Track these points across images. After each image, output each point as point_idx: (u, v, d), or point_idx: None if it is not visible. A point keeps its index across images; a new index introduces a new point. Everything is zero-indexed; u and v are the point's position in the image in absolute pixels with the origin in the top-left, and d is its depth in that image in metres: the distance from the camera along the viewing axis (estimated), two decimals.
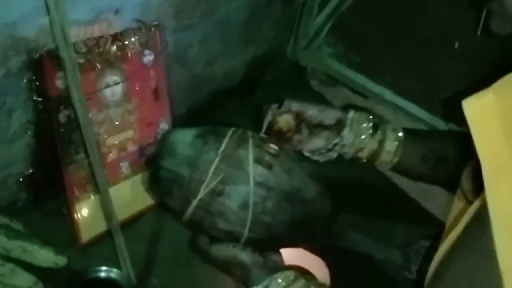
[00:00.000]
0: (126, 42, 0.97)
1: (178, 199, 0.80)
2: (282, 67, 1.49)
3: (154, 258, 1.01)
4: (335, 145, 0.92)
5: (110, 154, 1.00)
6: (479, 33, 0.95)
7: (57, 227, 0.98)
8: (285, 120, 0.94)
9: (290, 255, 1.06)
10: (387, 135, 0.92)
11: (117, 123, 1.00)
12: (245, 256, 0.81)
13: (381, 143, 0.92)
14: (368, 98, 1.40)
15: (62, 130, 0.91)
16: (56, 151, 0.92)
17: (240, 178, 0.78)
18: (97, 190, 0.98)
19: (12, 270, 0.80)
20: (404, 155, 0.93)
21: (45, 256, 0.87)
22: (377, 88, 1.39)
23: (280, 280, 0.79)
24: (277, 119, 0.94)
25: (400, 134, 0.93)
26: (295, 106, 0.94)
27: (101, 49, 0.93)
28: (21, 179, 0.96)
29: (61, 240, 0.95)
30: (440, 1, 1.21)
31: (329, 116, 0.92)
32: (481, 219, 0.56)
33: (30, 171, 0.96)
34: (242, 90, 1.41)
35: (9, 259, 0.80)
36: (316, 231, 0.86)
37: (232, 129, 0.85)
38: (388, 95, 1.38)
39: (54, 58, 0.85)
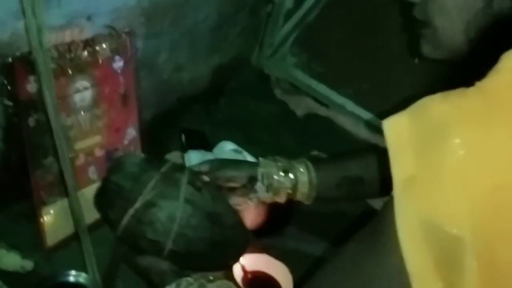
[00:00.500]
0: (97, 48, 0.98)
1: (117, 208, 0.88)
2: (247, 75, 1.52)
3: (119, 263, 1.02)
4: (251, 198, 1.00)
5: (78, 159, 1.00)
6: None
7: (23, 231, 0.98)
8: None
9: (254, 261, 1.08)
10: (298, 178, 0.99)
11: (85, 128, 1.00)
12: (165, 264, 0.88)
13: (294, 187, 0.99)
14: (330, 108, 1.44)
15: (31, 134, 0.91)
16: (24, 155, 0.92)
17: (173, 194, 0.87)
18: (63, 194, 0.98)
19: None
20: (319, 189, 1.00)
21: (11, 260, 0.87)
22: (339, 99, 1.43)
23: (190, 279, 0.84)
24: None
25: (311, 172, 1.00)
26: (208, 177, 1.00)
27: (72, 55, 0.93)
28: None
29: (27, 244, 0.95)
30: (402, 18, 1.25)
31: (240, 177, 0.99)
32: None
33: None
34: (208, 96, 1.43)
35: None
36: (230, 257, 0.95)
37: (172, 162, 0.95)
38: (350, 105, 1.42)
39: (26, 62, 0.85)
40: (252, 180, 0.99)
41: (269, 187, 0.99)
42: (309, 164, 1.01)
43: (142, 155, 0.97)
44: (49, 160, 0.95)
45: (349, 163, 1.05)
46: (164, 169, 0.90)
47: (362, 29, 1.38)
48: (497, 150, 0.55)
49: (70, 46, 0.93)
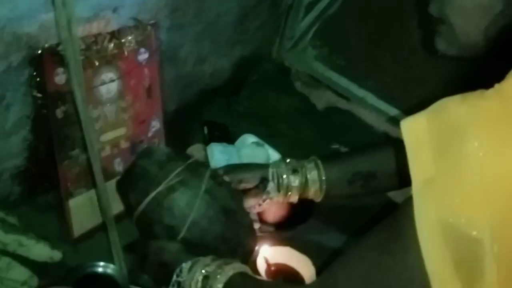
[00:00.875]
0: (123, 40, 0.98)
1: (140, 191, 0.93)
2: (267, 68, 1.52)
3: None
4: (264, 200, 1.03)
5: (104, 151, 1.01)
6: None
7: (50, 222, 0.99)
8: None
9: (277, 253, 1.09)
10: (308, 177, 1.02)
11: (111, 120, 1.01)
12: (177, 245, 0.90)
13: (305, 185, 1.02)
14: (350, 101, 1.44)
15: (58, 125, 0.91)
16: (52, 146, 0.92)
17: (196, 183, 0.92)
18: (90, 185, 0.99)
19: (8, 264, 0.81)
20: (330, 187, 1.03)
21: (40, 251, 0.88)
22: (360, 92, 1.43)
23: (207, 259, 0.85)
24: None
25: (320, 169, 1.02)
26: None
27: (99, 47, 0.94)
28: (15, 173, 0.96)
29: (54, 235, 0.96)
30: (425, 9, 1.24)
31: (252, 178, 1.03)
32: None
33: (25, 165, 0.96)
34: (229, 89, 1.43)
35: (5, 252, 0.80)
36: (237, 256, 0.95)
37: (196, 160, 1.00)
38: (371, 98, 1.41)
39: (54, 54, 0.86)
40: (264, 181, 1.03)
41: (280, 187, 1.02)
42: (319, 162, 1.04)
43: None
44: (76, 151, 0.95)
45: (360, 159, 1.07)
46: (190, 161, 0.96)
47: (383, 22, 1.37)
48: None
49: (96, 38, 0.93)
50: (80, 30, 0.90)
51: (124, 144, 1.05)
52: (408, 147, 0.61)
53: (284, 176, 1.02)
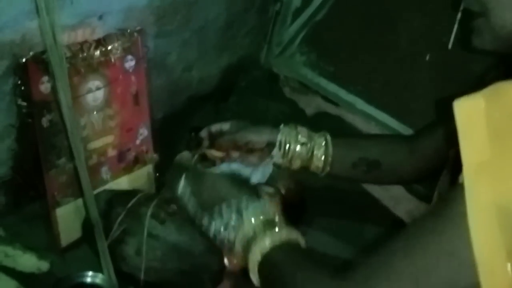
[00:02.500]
0: (109, 48, 0.97)
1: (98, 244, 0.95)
2: (255, 74, 1.51)
3: None
4: (267, 162, 1.01)
5: (91, 159, 1.00)
6: (450, 46, 1.00)
7: (37, 232, 0.98)
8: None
9: None
10: (315, 150, 1.01)
11: (98, 128, 1.00)
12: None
13: (310, 158, 1.02)
14: (340, 106, 1.43)
15: (44, 134, 0.90)
16: (38, 155, 0.91)
17: (138, 230, 0.93)
18: (77, 194, 0.98)
19: None
20: (334, 165, 1.03)
21: (27, 261, 0.87)
22: (349, 97, 1.43)
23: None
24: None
25: (328, 147, 1.02)
26: (229, 137, 1.05)
27: (84, 54, 0.93)
28: (1, 183, 0.95)
29: (41, 245, 0.94)
30: (413, 14, 1.25)
31: (259, 141, 1.03)
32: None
33: (11, 174, 0.95)
34: (217, 96, 1.42)
35: None
36: (204, 282, 0.98)
37: (144, 193, 1.02)
38: (360, 104, 1.41)
39: (39, 62, 0.85)
40: (270, 145, 1.02)
41: (285, 154, 1.01)
42: (329, 138, 1.03)
43: (116, 190, 1.04)
44: (63, 160, 0.94)
45: (369, 145, 1.06)
46: (131, 203, 0.97)
47: (371, 27, 1.37)
48: None
49: (82, 45, 0.93)
50: (65, 38, 0.90)
51: (112, 152, 1.04)
52: (461, 127, 0.59)
53: (292, 145, 1.01)
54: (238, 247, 0.80)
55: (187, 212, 0.87)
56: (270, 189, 0.99)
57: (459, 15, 0.82)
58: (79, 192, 0.96)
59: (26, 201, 1.00)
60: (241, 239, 0.80)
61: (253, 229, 0.80)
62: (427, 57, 1.25)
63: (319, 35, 1.46)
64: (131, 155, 1.08)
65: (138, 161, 1.10)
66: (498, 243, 0.56)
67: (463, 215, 0.57)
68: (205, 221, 0.83)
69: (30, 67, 0.85)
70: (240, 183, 0.90)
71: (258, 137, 1.03)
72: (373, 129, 1.38)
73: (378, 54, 1.36)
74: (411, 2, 1.26)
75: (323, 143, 1.02)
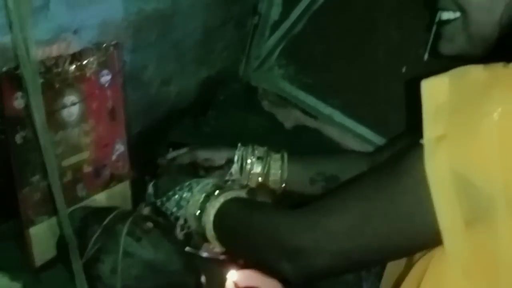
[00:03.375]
0: (85, 62, 0.96)
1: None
2: (234, 88, 1.51)
3: None
4: (227, 180, 1.05)
5: (66, 176, 0.98)
6: (425, 57, 1.02)
7: (10, 251, 0.96)
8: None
9: (247, 277, 1.06)
10: (271, 166, 1.07)
11: (73, 144, 0.98)
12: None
13: (266, 174, 1.07)
14: (318, 119, 1.44)
15: (18, 151, 0.88)
16: (11, 173, 0.89)
17: (113, 248, 0.92)
18: (51, 213, 0.96)
19: None
20: (291, 181, 1.08)
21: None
22: (327, 110, 1.43)
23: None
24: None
25: (284, 162, 1.07)
26: (188, 156, 1.12)
27: (59, 69, 0.91)
28: None
29: (15, 265, 0.92)
30: (389, 27, 1.26)
31: (219, 157, 1.09)
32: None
33: None
34: (195, 110, 1.41)
35: None
36: None
37: (120, 210, 1.00)
38: (338, 116, 1.41)
39: (12, 78, 0.83)
40: (229, 162, 1.07)
41: (242, 171, 1.07)
42: (285, 155, 1.08)
43: (89, 207, 1.02)
44: (37, 177, 0.92)
45: (327, 161, 1.11)
46: (106, 221, 0.95)
47: (348, 40, 1.38)
48: None
49: (57, 60, 0.91)
50: (39, 53, 0.88)
51: (87, 169, 1.02)
52: (425, 105, 0.63)
53: (249, 161, 1.06)
54: (190, 217, 0.91)
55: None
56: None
57: (434, 27, 0.84)
58: (54, 210, 0.94)
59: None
60: (192, 206, 0.90)
61: (203, 195, 0.90)
62: (403, 69, 1.26)
63: (297, 48, 1.46)
64: (107, 172, 1.06)
65: (114, 178, 1.08)
66: (456, 211, 0.60)
67: (422, 172, 0.61)
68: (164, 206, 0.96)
69: (3, 82, 0.83)
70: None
71: (217, 154, 1.08)
72: (351, 142, 1.38)
73: (356, 67, 1.37)
74: (387, 15, 1.26)
75: (279, 158, 1.07)
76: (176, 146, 1.27)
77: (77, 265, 0.88)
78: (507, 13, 0.70)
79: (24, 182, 0.91)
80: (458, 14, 0.76)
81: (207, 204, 0.89)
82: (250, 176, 1.06)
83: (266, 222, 0.81)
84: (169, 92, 1.30)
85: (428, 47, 0.92)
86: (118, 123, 1.06)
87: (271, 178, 1.07)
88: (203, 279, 1.03)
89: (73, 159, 0.99)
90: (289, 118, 1.49)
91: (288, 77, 1.49)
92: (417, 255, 0.73)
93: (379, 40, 1.31)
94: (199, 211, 0.90)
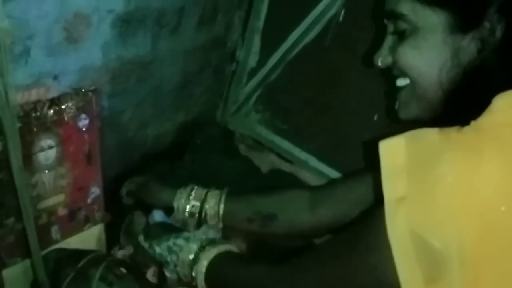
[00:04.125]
0: (63, 107, 0.97)
1: None
2: (211, 132, 1.53)
3: None
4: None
5: (41, 218, 0.99)
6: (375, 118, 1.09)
7: None
8: None
9: None
10: (207, 209, 1.12)
11: (49, 187, 0.99)
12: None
13: (205, 217, 1.13)
14: (293, 164, 1.46)
15: None
16: None
17: None
18: (25, 255, 0.96)
19: None
20: (228, 220, 1.12)
21: None
22: (302, 155, 1.45)
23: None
24: None
25: (220, 204, 1.13)
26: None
27: (38, 113, 0.93)
28: None
29: None
30: (363, 76, 1.30)
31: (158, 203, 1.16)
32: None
33: None
34: (172, 153, 1.43)
35: None
36: None
37: (94, 253, 1.02)
38: (313, 161, 1.44)
39: None
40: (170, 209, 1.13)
41: (181, 214, 1.12)
42: (223, 196, 1.13)
43: (68, 249, 1.03)
44: (11, 220, 0.93)
45: (265, 199, 1.14)
46: (80, 264, 0.96)
47: (323, 87, 1.41)
48: (486, 180, 0.59)
49: (36, 105, 0.93)
50: (19, 97, 0.90)
51: (62, 211, 1.03)
52: (383, 166, 0.65)
53: (186, 206, 1.12)
54: (182, 263, 0.96)
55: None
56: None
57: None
58: (28, 253, 0.94)
59: None
60: (186, 252, 0.96)
61: (198, 244, 0.97)
62: (375, 117, 1.30)
63: (273, 94, 1.50)
64: (82, 214, 1.07)
65: (89, 220, 1.09)
66: (416, 271, 0.62)
67: (384, 231, 0.64)
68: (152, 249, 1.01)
69: None
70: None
71: (156, 200, 1.16)
72: None
73: (330, 114, 1.40)
74: (360, 66, 1.30)
75: (216, 200, 1.12)
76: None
77: None
78: (447, 77, 0.73)
79: None
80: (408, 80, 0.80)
81: (201, 254, 0.95)
82: (188, 217, 1.12)
83: (251, 277, 0.88)
84: (146, 136, 1.32)
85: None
86: (94, 166, 1.07)
87: (209, 220, 1.12)
88: None
89: (48, 202, 1.00)
90: (265, 162, 1.51)
91: (265, 122, 1.52)
92: None
93: (352, 89, 1.35)
94: (193, 259, 0.96)
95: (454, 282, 0.60)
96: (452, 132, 0.64)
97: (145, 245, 1.04)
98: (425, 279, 0.61)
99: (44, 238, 0.99)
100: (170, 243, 1.00)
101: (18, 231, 0.94)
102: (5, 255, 0.94)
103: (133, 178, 1.24)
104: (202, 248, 0.96)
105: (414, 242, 0.61)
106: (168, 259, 0.99)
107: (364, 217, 0.73)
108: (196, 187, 1.16)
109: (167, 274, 1.00)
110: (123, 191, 1.22)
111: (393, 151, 0.65)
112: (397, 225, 0.62)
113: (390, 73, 0.85)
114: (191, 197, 1.13)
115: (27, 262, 0.97)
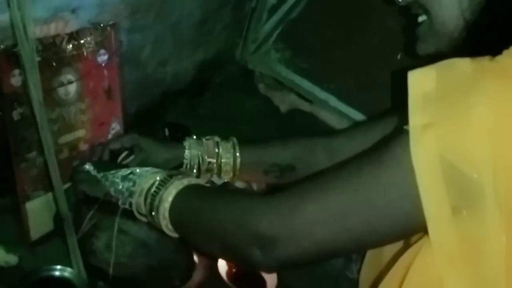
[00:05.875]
0: (82, 41, 0.97)
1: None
2: (230, 70, 1.52)
3: None
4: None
5: (62, 153, 1.00)
6: (398, 57, 1.04)
7: (6, 225, 0.98)
8: None
9: None
10: (222, 161, 1.05)
11: (69, 122, 1.00)
12: None
13: (219, 167, 1.06)
14: (313, 104, 1.45)
15: (15, 128, 0.90)
16: (8, 149, 0.91)
17: (108, 224, 0.92)
18: (47, 188, 0.98)
19: None
20: (243, 172, 1.06)
21: None
22: (323, 94, 1.44)
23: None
24: None
25: (236, 153, 1.06)
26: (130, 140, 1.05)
27: (57, 48, 0.93)
28: None
29: (11, 239, 0.94)
30: (385, 14, 1.27)
31: (157, 156, 1.04)
32: None
33: None
34: (192, 91, 1.43)
35: None
36: (174, 279, 1.00)
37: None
38: (333, 101, 1.43)
39: (10, 55, 0.84)
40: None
41: (193, 168, 1.04)
42: (237, 149, 1.06)
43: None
44: (33, 154, 0.94)
45: (281, 150, 1.08)
46: (101, 199, 0.94)
47: (345, 26, 1.39)
48: None
49: (54, 39, 0.92)
50: (37, 31, 0.89)
51: (83, 147, 1.04)
52: (411, 94, 0.63)
53: (200, 159, 1.04)
54: (140, 191, 0.85)
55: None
56: None
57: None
58: (50, 186, 0.96)
59: None
60: (147, 180, 0.85)
61: (164, 173, 0.85)
62: (399, 56, 1.27)
63: (294, 32, 1.47)
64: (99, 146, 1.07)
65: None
66: (443, 200, 0.60)
67: (407, 158, 0.61)
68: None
69: (1, 60, 0.85)
70: None
71: (157, 153, 1.03)
72: (345, 126, 1.39)
73: (352, 52, 1.38)
74: (384, 2, 1.27)
75: (229, 156, 1.05)
76: (171, 127, 1.29)
77: (72, 240, 0.91)
78: (469, 8, 0.71)
79: (21, 158, 0.93)
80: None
81: (168, 183, 0.83)
82: (201, 174, 1.05)
83: (235, 206, 0.76)
84: (165, 73, 1.31)
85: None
86: (115, 102, 1.07)
87: (223, 168, 1.05)
88: (195, 258, 1.05)
89: (69, 137, 1.01)
90: (285, 102, 1.50)
91: (285, 61, 1.50)
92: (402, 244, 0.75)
93: (375, 27, 1.32)
94: (156, 186, 0.84)
95: (487, 213, 0.59)
96: (485, 61, 0.63)
97: (98, 175, 0.93)
98: (453, 206, 0.60)
99: (66, 172, 1.00)
100: (127, 172, 0.89)
101: (40, 165, 0.96)
102: (28, 188, 0.96)
103: (123, 137, 1.06)
104: (168, 177, 0.84)
105: (443, 167, 0.59)
106: (120, 186, 0.88)
107: (380, 144, 0.68)
108: (204, 140, 1.08)
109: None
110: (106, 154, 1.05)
111: (422, 80, 0.63)
112: (425, 150, 0.60)
113: (409, 11, 0.82)
114: (205, 154, 1.05)
115: (50, 195, 0.98)
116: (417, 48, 0.82)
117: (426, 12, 0.77)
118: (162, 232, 0.86)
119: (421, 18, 0.80)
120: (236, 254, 0.75)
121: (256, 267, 0.73)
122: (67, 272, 0.89)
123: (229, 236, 0.74)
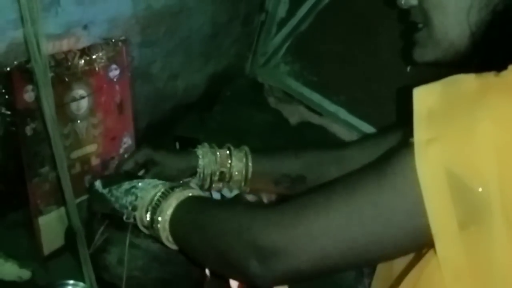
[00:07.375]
0: (94, 57, 0.98)
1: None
2: (240, 84, 1.52)
3: None
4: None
5: (74, 168, 1.01)
6: (408, 69, 1.04)
7: (19, 240, 0.98)
8: None
9: None
10: (233, 172, 1.05)
11: (81, 137, 1.00)
12: None
13: (229, 179, 1.06)
14: (323, 116, 1.45)
15: (28, 143, 0.91)
16: (21, 164, 0.92)
17: (120, 239, 0.92)
18: (60, 203, 0.98)
19: None
20: (254, 183, 1.06)
21: (9, 270, 0.87)
22: (332, 107, 1.44)
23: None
24: None
25: (248, 168, 1.05)
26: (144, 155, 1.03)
27: (69, 63, 0.94)
28: None
29: (24, 253, 0.95)
30: (394, 27, 1.27)
31: (171, 167, 1.03)
32: None
33: None
34: (202, 105, 1.43)
35: None
36: None
37: None
38: (343, 114, 1.43)
39: (23, 71, 0.86)
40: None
41: (204, 180, 1.05)
42: (249, 159, 1.06)
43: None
44: (46, 169, 0.95)
45: (292, 161, 1.08)
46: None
47: (354, 38, 1.39)
48: None
49: (67, 55, 0.93)
50: (50, 47, 0.91)
51: (95, 161, 1.04)
52: (416, 110, 0.62)
53: (212, 169, 1.05)
54: (142, 204, 0.84)
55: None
56: None
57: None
58: (62, 201, 0.96)
59: (9, 209, 0.99)
60: (148, 192, 0.84)
61: (166, 186, 0.84)
62: (408, 69, 1.27)
63: (303, 45, 1.48)
64: (114, 164, 1.08)
65: None
66: (450, 212, 0.59)
67: (412, 171, 0.60)
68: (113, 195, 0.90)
69: (14, 76, 0.86)
70: None
71: (172, 164, 1.03)
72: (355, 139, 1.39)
73: (361, 64, 1.38)
74: (392, 15, 1.27)
75: (241, 165, 1.05)
76: (182, 140, 1.30)
77: (85, 255, 0.91)
78: (475, 18, 0.70)
79: (34, 173, 0.94)
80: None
81: (169, 195, 0.82)
82: (213, 184, 1.05)
83: (235, 217, 0.74)
84: (176, 86, 1.32)
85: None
86: (126, 116, 1.08)
87: (234, 178, 1.05)
88: (207, 271, 1.05)
89: (81, 151, 1.01)
90: (294, 115, 1.50)
91: (294, 74, 1.51)
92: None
93: (384, 39, 1.32)
94: (157, 199, 0.83)
95: (494, 228, 0.58)
96: (490, 77, 0.62)
97: (104, 191, 0.92)
98: (459, 221, 0.59)
99: (78, 187, 1.01)
100: (129, 186, 0.89)
101: (53, 179, 0.96)
102: (41, 202, 0.97)
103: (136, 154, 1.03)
104: (169, 189, 0.83)
105: (449, 182, 0.58)
106: (124, 201, 0.87)
107: (385, 156, 0.66)
108: (217, 152, 1.07)
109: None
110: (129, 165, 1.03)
111: (427, 96, 0.63)
112: (430, 163, 0.59)
113: (409, 17, 0.82)
114: (218, 163, 1.05)
115: (62, 209, 0.99)
116: (414, 53, 0.82)
117: (428, 19, 0.76)
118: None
119: (421, 24, 0.80)
120: (233, 267, 0.73)
121: (253, 280, 0.70)
122: (80, 287, 0.89)
123: (227, 247, 0.72)
